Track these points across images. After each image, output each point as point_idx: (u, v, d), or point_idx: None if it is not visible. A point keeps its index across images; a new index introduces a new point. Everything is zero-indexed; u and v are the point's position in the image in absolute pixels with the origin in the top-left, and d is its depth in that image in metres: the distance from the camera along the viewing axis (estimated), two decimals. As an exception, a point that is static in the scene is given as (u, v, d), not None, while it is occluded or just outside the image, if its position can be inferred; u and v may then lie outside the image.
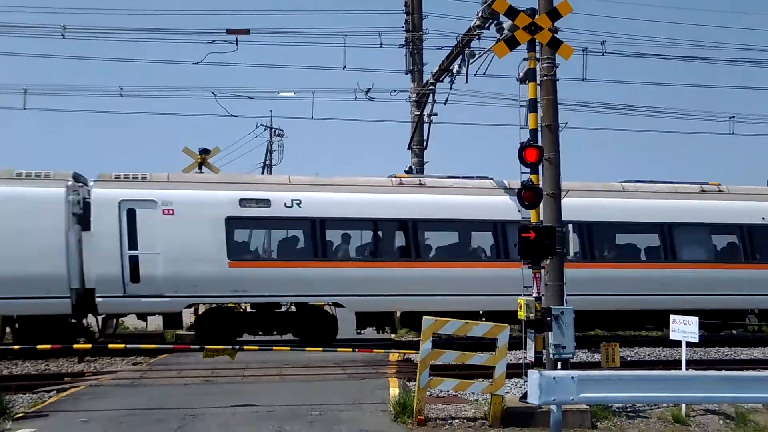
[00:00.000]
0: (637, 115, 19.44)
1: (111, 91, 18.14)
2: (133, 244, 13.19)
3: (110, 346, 10.54)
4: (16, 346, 10.60)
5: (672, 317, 9.58)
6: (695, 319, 9.19)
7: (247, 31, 17.35)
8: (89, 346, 11.33)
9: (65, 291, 12.84)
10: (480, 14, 14.63)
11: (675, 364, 11.26)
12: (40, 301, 12.74)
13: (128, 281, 13.07)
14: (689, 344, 9.45)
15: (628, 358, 13.03)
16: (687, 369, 9.51)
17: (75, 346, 10.97)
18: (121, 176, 13.72)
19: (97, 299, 13.02)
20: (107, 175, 13.70)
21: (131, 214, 13.27)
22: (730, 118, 19.20)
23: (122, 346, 10.43)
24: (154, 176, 13.94)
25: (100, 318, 14.09)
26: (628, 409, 8.96)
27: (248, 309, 14.76)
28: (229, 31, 17.14)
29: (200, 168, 18.61)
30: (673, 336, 9.52)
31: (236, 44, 17.03)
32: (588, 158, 60.49)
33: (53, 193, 13.09)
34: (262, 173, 36.04)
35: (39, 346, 10.66)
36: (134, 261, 13.14)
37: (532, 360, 9.59)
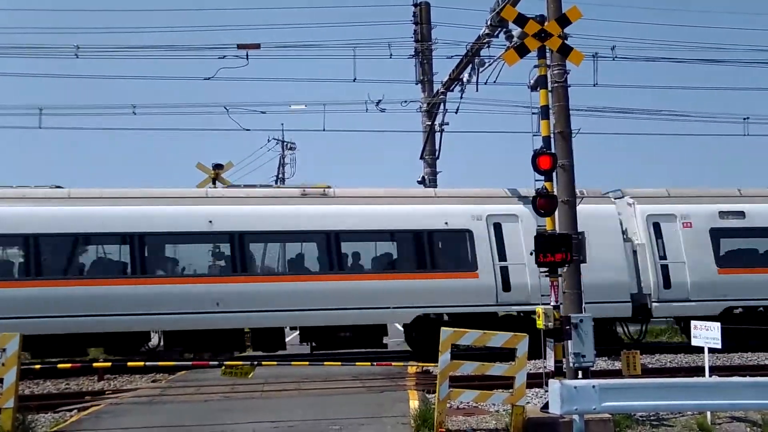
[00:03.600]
0: (648, 119, 19.33)
1: (124, 109, 18.38)
2: None
3: (129, 363, 10.57)
4: (38, 366, 10.68)
5: (693, 323, 9.46)
6: (717, 325, 9.08)
7: (257, 46, 17.51)
8: (109, 364, 11.34)
9: None
10: (489, 22, 14.65)
11: (698, 371, 11.11)
12: None
13: None
14: (711, 350, 9.32)
15: (650, 365, 12.85)
16: (710, 375, 9.38)
17: (95, 364, 11.01)
18: None
19: None
20: None
21: None
22: (744, 119, 19.06)
23: (141, 363, 10.46)
24: None
25: None
26: (652, 418, 8.84)
27: None
28: (240, 46, 17.30)
29: (214, 183, 18.73)
30: (694, 342, 9.40)
31: (247, 59, 17.25)
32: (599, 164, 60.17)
33: None
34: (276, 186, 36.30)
35: (60, 365, 10.74)
36: None
37: (552, 369, 9.54)
